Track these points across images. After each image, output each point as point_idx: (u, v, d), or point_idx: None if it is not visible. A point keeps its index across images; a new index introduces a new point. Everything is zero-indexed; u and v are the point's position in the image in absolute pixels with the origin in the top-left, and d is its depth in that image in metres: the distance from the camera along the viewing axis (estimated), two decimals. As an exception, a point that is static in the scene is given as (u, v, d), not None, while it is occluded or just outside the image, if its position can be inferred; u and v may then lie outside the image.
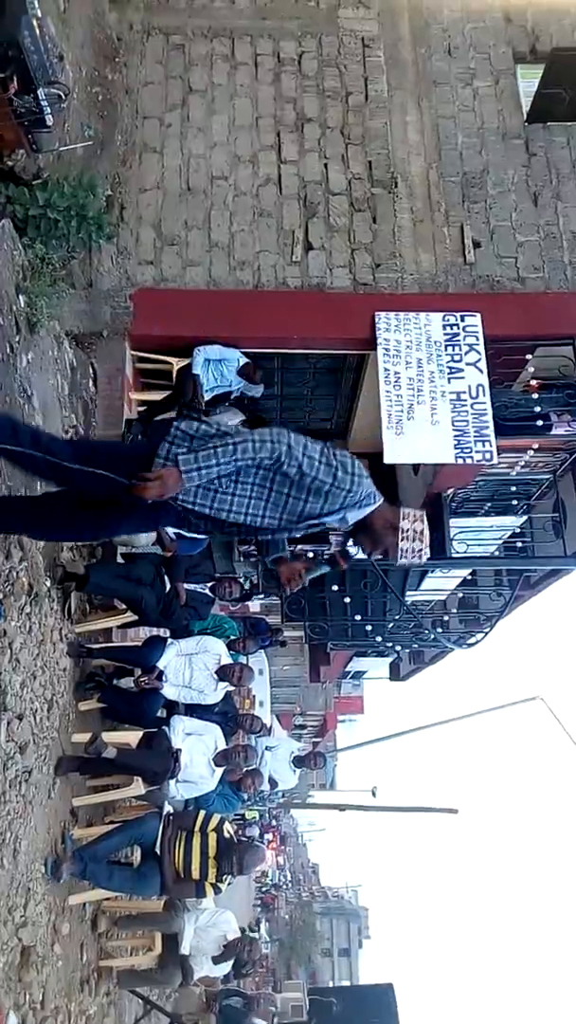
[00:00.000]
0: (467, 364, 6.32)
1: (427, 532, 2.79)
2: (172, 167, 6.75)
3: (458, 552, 7.87)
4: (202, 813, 5.26)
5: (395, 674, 17.01)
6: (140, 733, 5.41)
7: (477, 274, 6.70)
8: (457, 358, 6.31)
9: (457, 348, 6.34)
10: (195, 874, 4.99)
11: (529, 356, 6.64)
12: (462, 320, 6.41)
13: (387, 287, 6.61)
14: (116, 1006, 5.75)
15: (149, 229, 6.55)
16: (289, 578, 2.99)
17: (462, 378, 6.30)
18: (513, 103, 7.24)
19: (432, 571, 8.59)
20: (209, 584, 6.83)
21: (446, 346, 6.35)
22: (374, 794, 21.91)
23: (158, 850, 5.00)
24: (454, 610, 10.28)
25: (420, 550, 2.78)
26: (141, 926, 5.70)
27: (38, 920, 4.25)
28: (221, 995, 7.09)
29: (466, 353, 6.34)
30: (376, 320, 6.36)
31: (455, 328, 6.39)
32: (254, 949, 5.89)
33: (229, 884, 5.40)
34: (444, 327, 6.39)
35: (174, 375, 6.73)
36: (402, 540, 2.76)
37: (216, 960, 5.54)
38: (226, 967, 5.76)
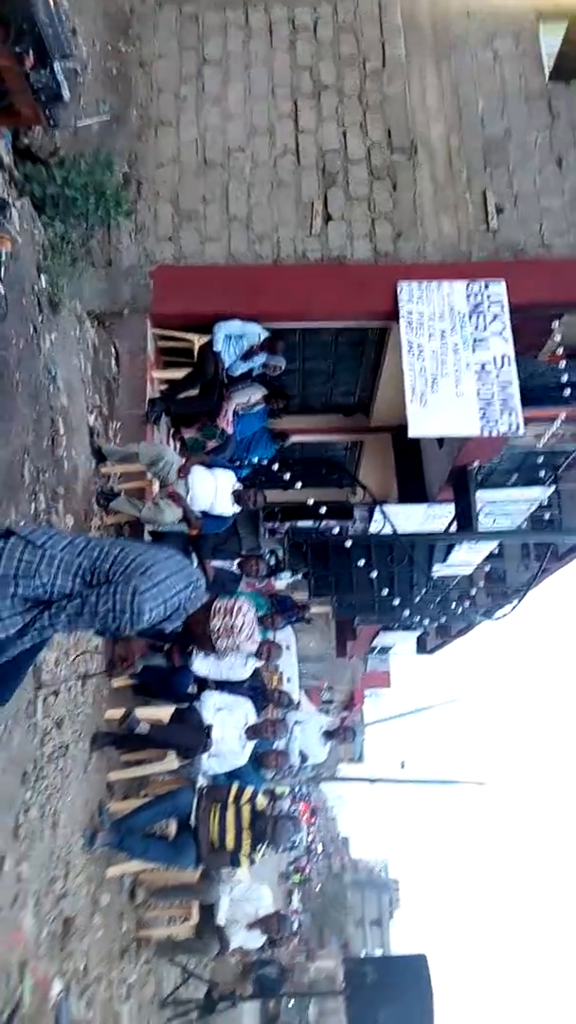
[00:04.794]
0: (492, 334, 6.23)
1: (245, 622, 2.75)
2: (188, 140, 6.67)
3: (485, 525, 7.83)
4: (235, 786, 5.31)
5: (422, 647, 17.05)
6: (172, 709, 5.46)
7: (500, 241, 6.57)
8: (481, 328, 6.22)
9: (481, 318, 6.25)
10: (229, 845, 5.06)
11: (555, 324, 6.53)
12: (486, 288, 6.31)
13: (409, 257, 6.51)
14: (155, 974, 5.89)
15: (167, 205, 6.50)
16: (124, 657, 2.91)
17: (487, 348, 6.22)
18: (535, 63, 7.04)
19: (459, 545, 8.55)
20: (236, 561, 6.84)
21: (470, 316, 6.26)
22: (403, 767, 22.07)
23: (192, 822, 5.07)
24: (481, 583, 10.24)
25: (238, 644, 2.77)
26: (178, 897, 5.80)
27: (78, 891, 4.34)
28: (256, 964, 7.22)
29: (490, 322, 6.24)
30: (398, 290, 6.28)
31: (479, 297, 6.29)
32: (283, 926, 5.96)
33: (263, 856, 5.47)
34: (468, 296, 6.29)
35: (195, 353, 6.71)
36: (217, 641, 2.74)
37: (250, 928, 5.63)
38: (261, 937, 5.86)
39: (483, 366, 6.17)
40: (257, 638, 2.90)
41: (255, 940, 5.80)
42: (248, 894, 5.72)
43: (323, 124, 6.81)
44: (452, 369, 6.19)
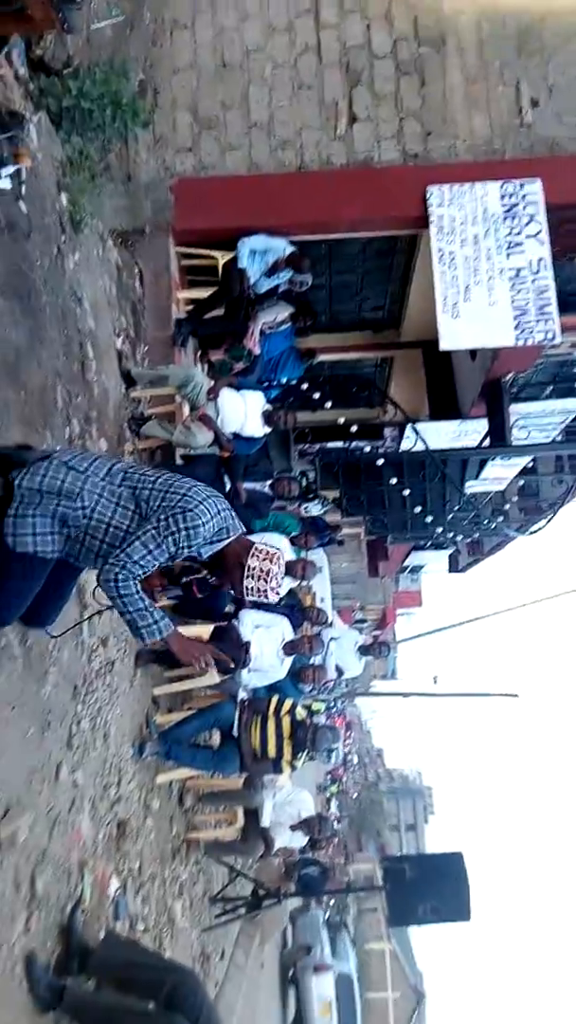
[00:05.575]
0: (527, 237, 5.99)
1: (277, 573, 2.65)
2: (204, 43, 6.35)
3: (519, 439, 7.71)
4: (275, 698, 5.49)
5: (454, 566, 17.10)
6: (211, 627, 5.60)
7: (536, 136, 6.24)
8: (516, 231, 5.98)
9: (516, 220, 6.00)
10: (271, 754, 5.27)
11: (594, 224, 6.25)
12: (521, 188, 6.03)
13: (439, 157, 6.22)
14: (205, 873, 6.23)
15: (185, 113, 6.25)
16: (146, 589, 2.79)
17: (522, 252, 5.99)
18: None
19: (492, 460, 8.46)
20: (268, 483, 6.86)
21: (504, 218, 6.00)
22: (435, 682, 22.57)
23: (235, 733, 5.28)
24: (514, 499, 10.16)
25: (264, 591, 2.66)
26: (223, 802, 6.09)
27: (131, 797, 4.57)
28: (299, 864, 7.59)
29: (526, 225, 5.99)
30: (428, 195, 6.03)
31: (513, 198, 6.03)
32: (324, 827, 6.25)
33: (303, 763, 5.68)
34: (502, 197, 6.03)
35: (220, 270, 6.56)
36: (247, 578, 2.64)
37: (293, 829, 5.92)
38: (303, 838, 6.15)
39: (518, 272, 5.96)
40: (280, 591, 2.86)
41: (298, 840, 6.09)
42: (290, 798, 5.98)
43: (345, 18, 6.42)
44: (485, 276, 5.99)
